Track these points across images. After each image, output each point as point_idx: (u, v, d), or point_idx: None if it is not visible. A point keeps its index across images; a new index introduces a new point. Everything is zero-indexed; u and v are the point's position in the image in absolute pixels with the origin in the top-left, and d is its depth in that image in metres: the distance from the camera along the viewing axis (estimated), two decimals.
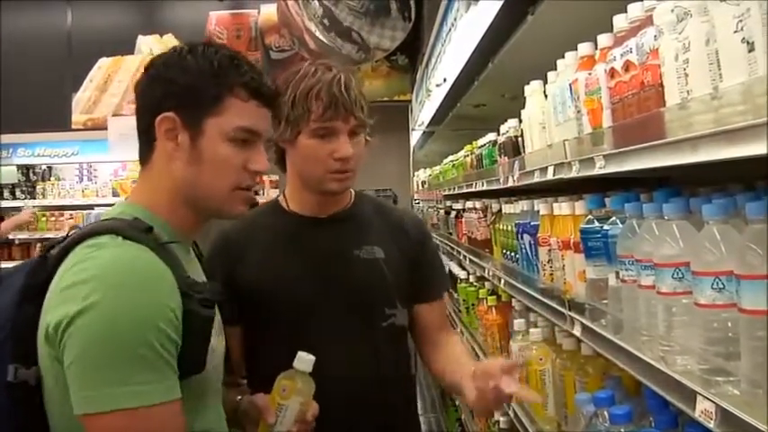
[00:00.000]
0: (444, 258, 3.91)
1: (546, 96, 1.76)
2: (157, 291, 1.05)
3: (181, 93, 1.17)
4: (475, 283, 3.39)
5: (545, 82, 1.80)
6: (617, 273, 1.31)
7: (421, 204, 6.57)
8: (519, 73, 2.06)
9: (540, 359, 1.92)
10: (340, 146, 1.51)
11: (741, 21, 0.81)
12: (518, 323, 2.22)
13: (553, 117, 1.66)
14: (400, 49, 5.85)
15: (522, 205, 2.18)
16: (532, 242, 1.93)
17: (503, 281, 2.40)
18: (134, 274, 1.05)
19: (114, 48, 7.25)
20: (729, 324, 0.95)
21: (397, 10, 5.15)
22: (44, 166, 7.77)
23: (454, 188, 3.88)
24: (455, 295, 3.78)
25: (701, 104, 0.88)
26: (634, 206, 1.25)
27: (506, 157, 2.36)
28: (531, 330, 2.06)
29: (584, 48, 1.47)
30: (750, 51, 0.80)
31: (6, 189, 7.51)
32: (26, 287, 1.11)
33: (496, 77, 2.81)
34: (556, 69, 1.70)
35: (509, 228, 2.28)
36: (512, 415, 2.17)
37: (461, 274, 3.62)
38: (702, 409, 0.92)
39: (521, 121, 2.12)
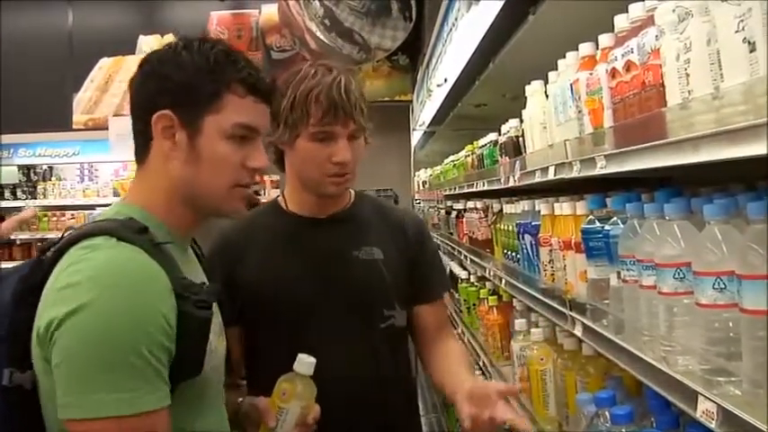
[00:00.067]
0: (445, 258, 3.91)
1: (547, 96, 1.76)
2: (150, 295, 1.04)
3: (177, 90, 1.15)
4: (476, 284, 3.39)
5: (546, 82, 1.80)
6: (618, 273, 1.31)
7: (422, 204, 6.57)
8: (520, 73, 2.06)
9: (542, 359, 1.92)
10: (339, 150, 1.51)
11: (742, 21, 0.81)
12: (519, 323, 2.22)
13: (554, 117, 1.66)
14: (401, 49, 5.85)
15: (523, 205, 2.18)
16: (533, 242, 1.93)
17: (504, 281, 2.40)
18: (127, 277, 1.03)
19: (115, 48, 7.26)
20: (731, 324, 0.95)
21: (397, 10, 5.15)
22: (45, 167, 7.77)
23: (455, 188, 3.88)
24: (456, 295, 3.78)
25: (703, 104, 0.88)
26: (635, 206, 1.25)
27: (507, 157, 2.36)
28: (533, 330, 2.06)
29: (586, 48, 1.47)
30: (751, 51, 0.80)
31: (7, 189, 7.51)
32: (21, 290, 1.10)
33: (497, 77, 2.81)
34: (557, 69, 1.70)
35: (510, 228, 2.28)
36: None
37: (462, 275, 3.62)
38: (704, 410, 0.92)
39: (522, 121, 2.12)
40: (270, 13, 6.81)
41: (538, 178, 1.77)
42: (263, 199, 4.67)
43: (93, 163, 7.62)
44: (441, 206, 4.90)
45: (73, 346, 0.99)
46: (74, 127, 7.27)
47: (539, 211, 1.86)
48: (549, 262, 1.79)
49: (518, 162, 2.08)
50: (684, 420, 1.20)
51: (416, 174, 6.78)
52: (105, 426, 0.98)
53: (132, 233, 1.09)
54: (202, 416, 1.18)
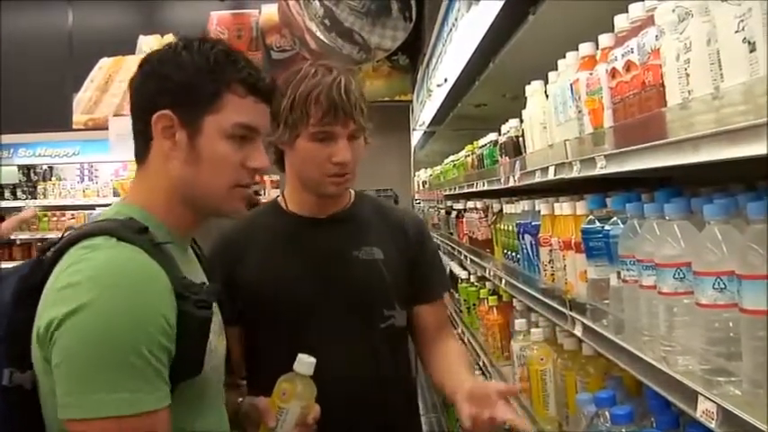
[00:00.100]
0: (445, 258, 3.91)
1: (547, 96, 1.76)
2: (150, 295, 1.04)
3: (177, 90, 1.15)
4: (476, 284, 3.39)
5: (546, 82, 1.80)
6: (618, 273, 1.31)
7: (422, 204, 6.57)
8: (520, 73, 2.06)
9: (542, 359, 1.92)
10: (339, 150, 1.50)
11: (742, 21, 0.81)
12: (519, 323, 2.22)
13: (554, 117, 1.66)
14: (401, 49, 5.85)
15: (523, 205, 2.18)
16: (533, 242, 1.93)
17: (504, 281, 2.40)
18: (127, 277, 1.03)
19: (115, 48, 7.26)
20: (731, 324, 0.95)
21: (397, 10, 5.15)
22: (45, 167, 7.78)
23: (455, 188, 3.88)
24: (456, 295, 3.78)
25: (703, 104, 0.88)
26: (635, 206, 1.25)
27: (507, 157, 2.36)
28: (533, 330, 2.06)
29: (586, 48, 1.47)
30: (751, 51, 0.80)
31: (7, 189, 7.52)
32: (21, 290, 1.10)
33: (497, 77, 2.81)
34: (557, 69, 1.70)
35: (510, 228, 2.28)
36: None
37: (462, 275, 3.62)
38: (704, 410, 0.92)
39: (522, 121, 2.12)
40: (270, 13, 6.81)
41: (538, 178, 1.77)
42: (264, 199, 4.67)
43: (93, 163, 7.63)
44: (441, 206, 4.90)
45: (73, 346, 0.99)
46: (74, 127, 7.28)
47: (539, 211, 1.86)
48: (549, 262, 1.79)
49: (518, 162, 2.08)
50: (684, 420, 1.20)
51: (416, 174, 6.78)
52: (105, 426, 0.98)
53: (132, 233, 1.09)
54: (202, 416, 1.18)
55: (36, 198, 7.47)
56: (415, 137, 6.37)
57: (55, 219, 7.38)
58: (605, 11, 1.32)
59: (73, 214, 7.36)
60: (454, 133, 5.14)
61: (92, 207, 7.24)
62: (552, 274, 1.78)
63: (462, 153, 3.87)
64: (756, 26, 0.79)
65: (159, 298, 1.04)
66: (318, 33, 5.10)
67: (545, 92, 1.80)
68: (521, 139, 2.19)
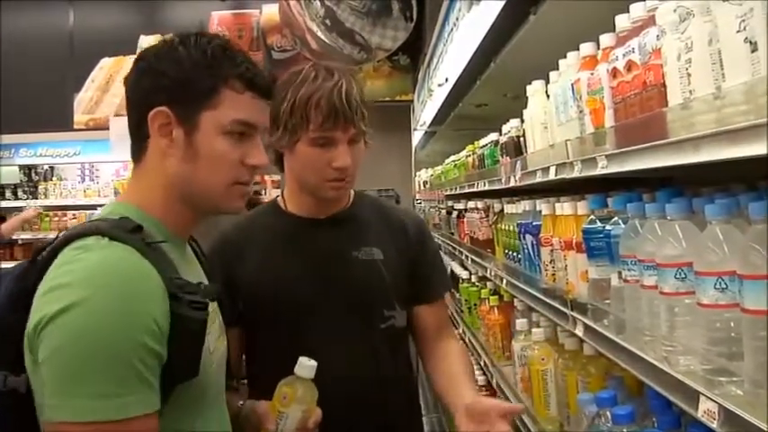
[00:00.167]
0: (446, 258, 3.91)
1: (548, 96, 1.76)
2: (141, 296, 1.01)
3: (173, 86, 1.13)
4: (477, 283, 3.39)
5: (547, 82, 1.80)
6: (619, 273, 1.31)
7: (423, 204, 6.57)
8: (521, 73, 2.06)
9: (543, 359, 1.92)
10: (339, 155, 1.50)
11: (744, 21, 0.81)
12: (520, 323, 2.22)
13: (555, 117, 1.66)
14: (402, 49, 5.84)
15: (524, 205, 2.18)
16: (534, 242, 1.93)
17: (505, 281, 2.39)
18: (118, 277, 1.01)
19: (116, 48, 7.24)
20: (732, 324, 0.95)
21: (398, 10, 5.14)
22: (46, 167, 7.79)
23: (456, 188, 3.88)
24: (457, 295, 3.78)
25: (704, 104, 0.88)
26: (636, 206, 1.25)
27: (508, 157, 2.36)
28: (534, 330, 2.06)
29: (587, 48, 1.47)
30: (753, 51, 0.80)
31: (8, 189, 7.53)
32: (15, 291, 1.07)
33: (498, 77, 2.81)
34: (558, 69, 1.70)
35: (511, 228, 2.28)
36: None
37: (463, 275, 3.62)
38: (705, 410, 0.92)
39: (523, 121, 2.12)
40: (271, 13, 6.80)
41: (539, 178, 1.77)
42: (265, 199, 4.67)
43: (94, 163, 7.63)
44: (442, 206, 4.91)
45: (59, 344, 0.96)
46: (75, 127, 7.27)
47: (540, 211, 1.86)
48: (551, 262, 1.79)
49: (519, 162, 2.08)
50: (686, 420, 1.20)
51: (417, 174, 6.78)
52: (86, 430, 0.95)
53: (125, 233, 1.06)
54: (203, 416, 1.17)
55: (37, 198, 7.48)
56: (416, 137, 6.37)
57: (56, 219, 7.38)
58: (606, 11, 1.32)
59: (74, 214, 7.37)
60: (455, 133, 5.14)
61: (93, 207, 7.22)
62: (553, 274, 1.78)
63: (463, 153, 3.88)
64: (758, 26, 0.79)
65: (150, 299, 1.02)
66: (319, 33, 5.10)
67: (546, 92, 1.80)
68: (522, 138, 2.19)
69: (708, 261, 0.97)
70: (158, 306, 1.02)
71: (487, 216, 2.91)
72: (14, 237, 6.79)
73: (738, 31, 0.82)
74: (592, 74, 1.38)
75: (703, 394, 0.93)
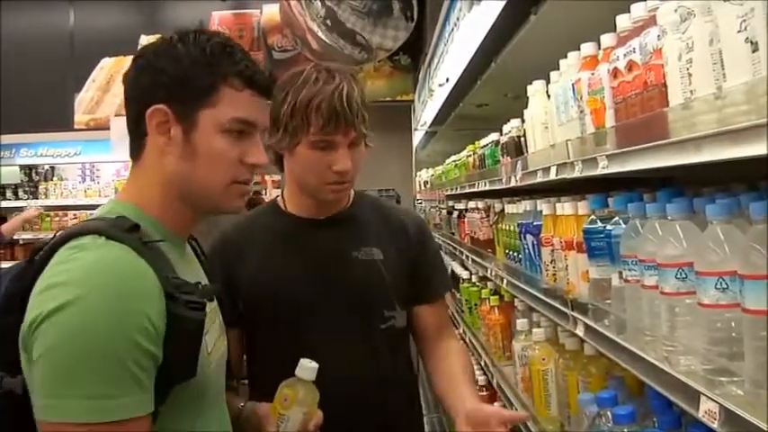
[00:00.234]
0: (447, 258, 3.91)
1: (549, 96, 1.76)
2: (136, 295, 1.00)
3: (172, 83, 1.12)
4: (477, 283, 3.39)
5: (548, 82, 1.80)
6: (620, 273, 1.31)
7: (423, 204, 6.57)
8: (522, 73, 2.06)
9: (543, 359, 1.92)
10: (339, 158, 1.49)
11: (745, 20, 0.81)
12: (521, 323, 2.22)
13: (556, 117, 1.66)
14: (403, 49, 5.84)
15: (524, 205, 2.18)
16: (535, 242, 1.93)
17: (505, 281, 2.39)
18: (114, 276, 1.00)
19: (117, 48, 7.24)
20: (733, 324, 0.94)
21: (399, 10, 5.14)
22: (47, 167, 7.81)
23: (457, 188, 3.88)
24: (458, 295, 3.78)
25: (705, 104, 0.88)
26: (637, 206, 1.25)
27: (509, 157, 2.36)
28: (534, 330, 2.06)
29: (587, 48, 1.47)
30: (754, 51, 0.80)
31: (9, 189, 7.54)
32: (11, 292, 1.06)
33: (499, 77, 2.81)
34: (558, 69, 1.70)
35: (512, 228, 2.27)
36: None
37: (464, 274, 3.62)
38: (706, 410, 0.92)
39: (523, 121, 2.12)
40: (271, 13, 6.81)
41: (539, 178, 1.77)
42: (266, 199, 4.67)
43: (95, 163, 7.65)
44: (442, 206, 4.90)
45: (53, 343, 0.96)
46: (75, 127, 7.28)
47: (540, 211, 1.86)
48: (551, 262, 1.79)
49: (520, 162, 2.08)
50: (686, 420, 1.20)
51: (418, 174, 6.77)
52: (79, 431, 0.94)
53: (121, 232, 1.06)
54: (203, 416, 1.16)
55: (38, 198, 7.49)
56: (417, 137, 6.37)
57: (57, 219, 7.38)
58: (607, 11, 1.32)
59: (75, 214, 7.37)
60: (456, 133, 5.14)
61: (93, 207, 7.21)
62: (554, 274, 1.78)
63: (464, 153, 3.87)
64: (759, 26, 0.79)
65: (146, 299, 1.01)
66: (320, 34, 5.10)
67: (547, 92, 1.80)
68: (522, 138, 2.19)
69: (708, 261, 0.97)
70: (154, 305, 1.01)
71: (488, 216, 2.91)
72: (15, 237, 6.79)
73: (739, 31, 0.82)
74: (592, 74, 1.38)
75: (704, 394, 0.93)
